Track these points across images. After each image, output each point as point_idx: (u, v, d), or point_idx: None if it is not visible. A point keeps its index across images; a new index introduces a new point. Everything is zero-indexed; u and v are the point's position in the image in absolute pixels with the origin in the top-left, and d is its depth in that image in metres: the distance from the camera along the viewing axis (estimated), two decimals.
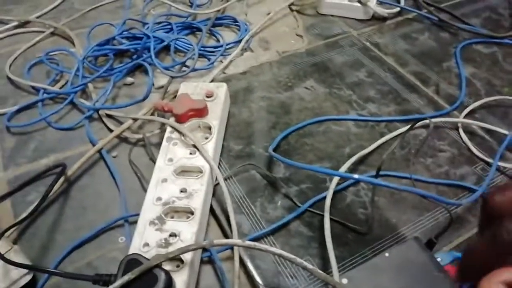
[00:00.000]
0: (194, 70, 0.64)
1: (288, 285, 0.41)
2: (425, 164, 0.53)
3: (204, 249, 0.44)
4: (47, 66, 0.66)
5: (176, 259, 0.39)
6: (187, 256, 0.39)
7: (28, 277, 0.39)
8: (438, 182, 0.50)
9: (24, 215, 0.45)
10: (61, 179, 0.49)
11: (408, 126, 0.51)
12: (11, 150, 0.55)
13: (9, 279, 0.39)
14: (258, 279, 0.42)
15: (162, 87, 0.63)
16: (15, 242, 0.45)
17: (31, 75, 0.66)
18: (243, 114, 0.59)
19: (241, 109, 0.60)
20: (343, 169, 0.50)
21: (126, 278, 0.35)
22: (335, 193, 0.48)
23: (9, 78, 0.66)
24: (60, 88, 0.63)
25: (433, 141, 0.55)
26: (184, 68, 0.66)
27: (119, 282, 0.34)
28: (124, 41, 0.69)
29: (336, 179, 0.48)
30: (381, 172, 0.48)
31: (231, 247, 0.44)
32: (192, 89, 0.56)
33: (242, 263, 0.43)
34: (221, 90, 0.56)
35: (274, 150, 0.53)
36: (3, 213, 0.48)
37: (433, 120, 0.56)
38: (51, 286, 0.42)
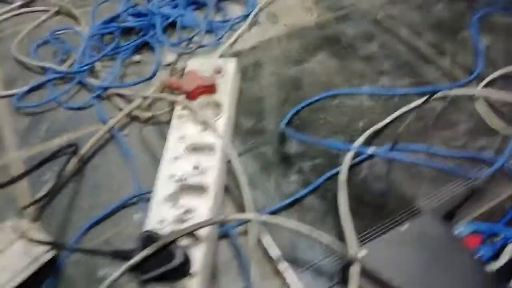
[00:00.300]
0: (201, 46, 0.63)
1: (305, 258, 0.41)
2: (442, 136, 0.51)
3: (220, 225, 0.44)
4: (53, 46, 0.65)
5: (193, 235, 0.39)
6: (203, 232, 0.39)
7: (51, 254, 0.40)
8: (456, 155, 0.49)
9: (41, 194, 0.46)
10: (75, 159, 0.49)
11: (424, 99, 0.49)
12: (24, 131, 0.55)
13: (32, 256, 0.39)
14: (274, 253, 0.42)
15: (170, 64, 0.62)
16: (34, 221, 0.45)
17: (38, 55, 0.65)
18: (253, 90, 0.58)
19: (251, 85, 0.59)
20: (358, 143, 0.49)
21: (144, 254, 0.35)
22: (350, 167, 0.47)
23: (16, 59, 0.65)
24: (68, 67, 0.63)
25: (450, 114, 0.54)
26: (191, 44, 0.64)
27: (137, 258, 0.34)
28: (129, 18, 0.67)
29: (350, 154, 0.47)
30: (397, 146, 0.47)
31: (246, 222, 0.44)
32: (200, 65, 0.55)
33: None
34: (230, 66, 0.55)
35: (286, 125, 0.52)
36: (20, 192, 0.48)
37: (450, 92, 0.55)
38: (72, 263, 0.42)
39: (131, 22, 0.66)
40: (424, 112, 0.54)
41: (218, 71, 0.54)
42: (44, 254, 0.40)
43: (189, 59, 0.57)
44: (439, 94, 0.55)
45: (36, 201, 0.44)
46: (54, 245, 0.40)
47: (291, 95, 0.57)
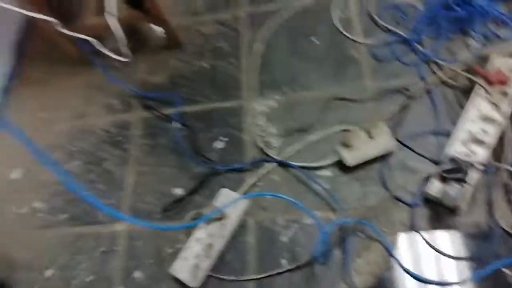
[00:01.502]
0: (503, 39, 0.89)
1: None
2: None
3: (485, 167, 0.79)
4: (396, 12, 1.00)
5: (473, 167, 0.75)
6: (478, 167, 0.75)
7: (396, 146, 0.83)
8: None
9: (392, 112, 0.87)
10: (405, 99, 0.88)
11: None
12: (373, 71, 0.95)
13: (388, 145, 0.83)
14: None
15: (480, 55, 0.90)
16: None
17: (384, 17, 1.02)
18: None
19: None
20: None
21: (452, 166, 0.74)
22: None
23: (371, 16, 1.03)
24: (405, 33, 0.98)
25: None
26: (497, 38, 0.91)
27: (446, 166, 0.74)
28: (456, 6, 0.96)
29: None
30: None
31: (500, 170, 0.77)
32: (503, 63, 0.84)
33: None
34: None
35: None
36: (374, 109, 0.91)
37: None
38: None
39: (457, 10, 0.95)
40: None
41: None
42: (393, 146, 0.82)
43: (497, 57, 0.85)
44: None
45: (389, 117, 0.86)
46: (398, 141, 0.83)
47: None
